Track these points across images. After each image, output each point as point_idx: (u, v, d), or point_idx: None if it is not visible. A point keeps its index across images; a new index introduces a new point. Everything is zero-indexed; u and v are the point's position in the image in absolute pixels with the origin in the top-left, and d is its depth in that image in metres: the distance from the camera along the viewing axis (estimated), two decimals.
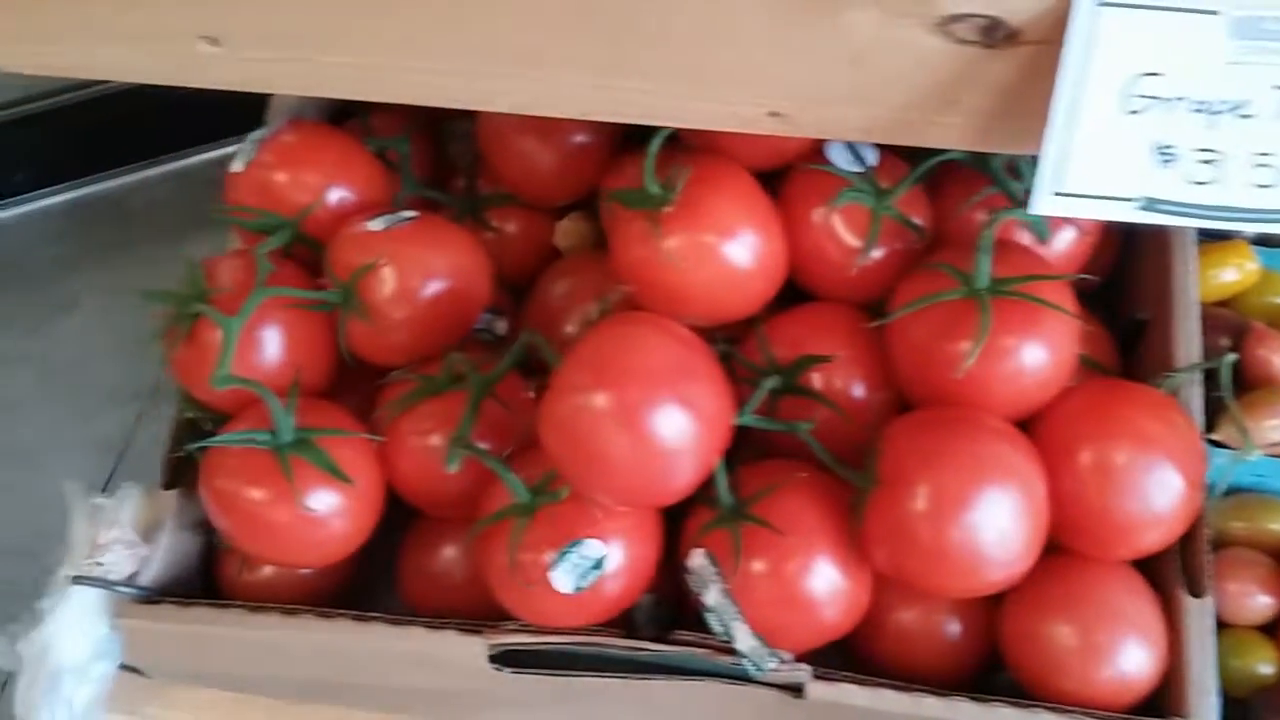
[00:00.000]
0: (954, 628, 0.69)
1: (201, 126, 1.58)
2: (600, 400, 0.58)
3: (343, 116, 0.83)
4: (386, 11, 0.56)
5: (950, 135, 0.57)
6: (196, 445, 0.64)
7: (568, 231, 0.81)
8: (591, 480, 0.60)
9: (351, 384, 0.71)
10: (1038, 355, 0.63)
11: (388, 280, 0.66)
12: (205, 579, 0.73)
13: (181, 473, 0.71)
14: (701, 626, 0.66)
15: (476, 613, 0.68)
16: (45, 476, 1.43)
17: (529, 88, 0.58)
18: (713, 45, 0.56)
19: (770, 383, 0.65)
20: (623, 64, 0.57)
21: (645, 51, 0.56)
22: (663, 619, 0.69)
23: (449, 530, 0.72)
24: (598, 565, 0.61)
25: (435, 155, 0.84)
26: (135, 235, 1.60)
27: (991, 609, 0.68)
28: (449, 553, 0.72)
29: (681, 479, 0.59)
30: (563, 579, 0.61)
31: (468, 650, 0.65)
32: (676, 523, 0.66)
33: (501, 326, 0.78)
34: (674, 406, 0.58)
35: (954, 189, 0.71)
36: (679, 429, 0.58)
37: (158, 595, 0.67)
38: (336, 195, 0.71)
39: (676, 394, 0.58)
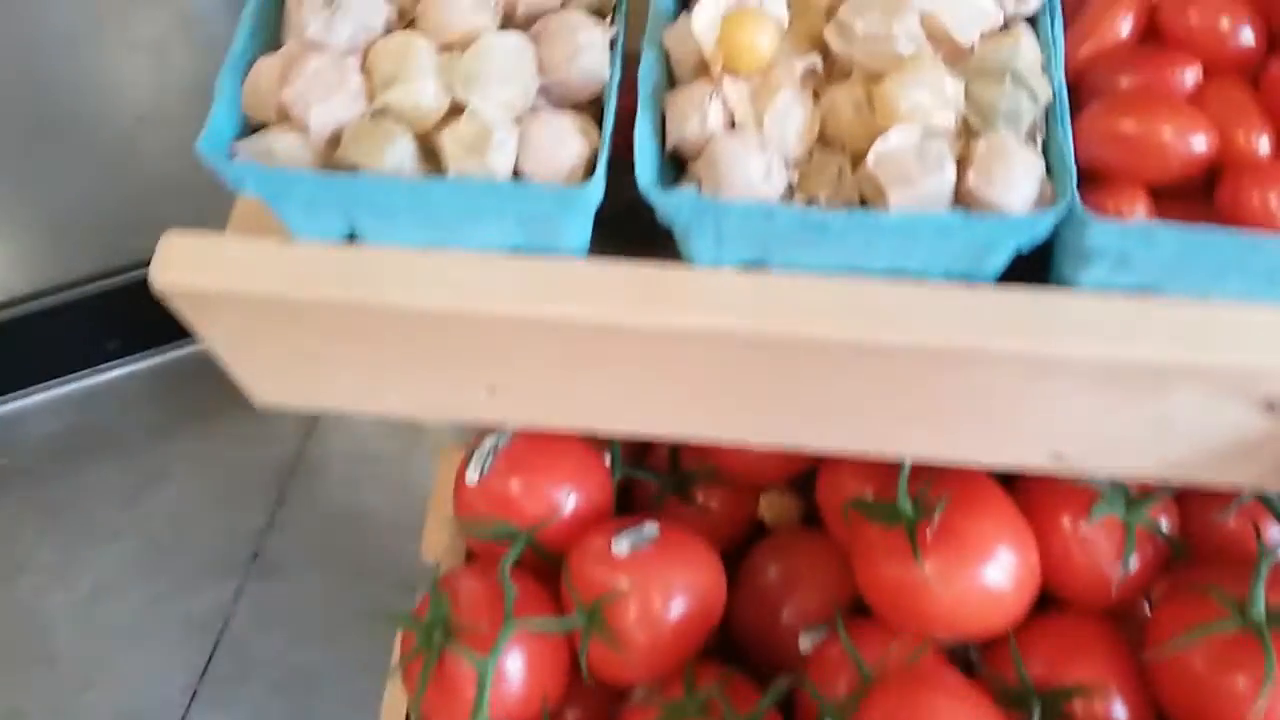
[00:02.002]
0: None
1: None
2: None
3: None
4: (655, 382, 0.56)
5: (1242, 480, 0.56)
6: None
7: (773, 504, 0.79)
8: None
9: (580, 697, 0.69)
10: None
11: (634, 606, 0.64)
12: None
13: None
14: None
15: None
16: (142, 657, 1.41)
17: (824, 432, 0.58)
18: (1018, 412, 0.55)
19: (1037, 713, 0.63)
20: (916, 419, 0.57)
21: (941, 412, 0.56)
22: None
23: None
24: None
25: None
26: (225, 400, 1.58)
27: None
28: None
29: None
30: None
31: None
32: None
33: None
34: None
35: (1203, 494, 0.69)
36: None
37: None
38: (570, 501, 0.69)
39: None
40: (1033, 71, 0.47)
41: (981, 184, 0.46)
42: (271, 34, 0.54)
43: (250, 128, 0.53)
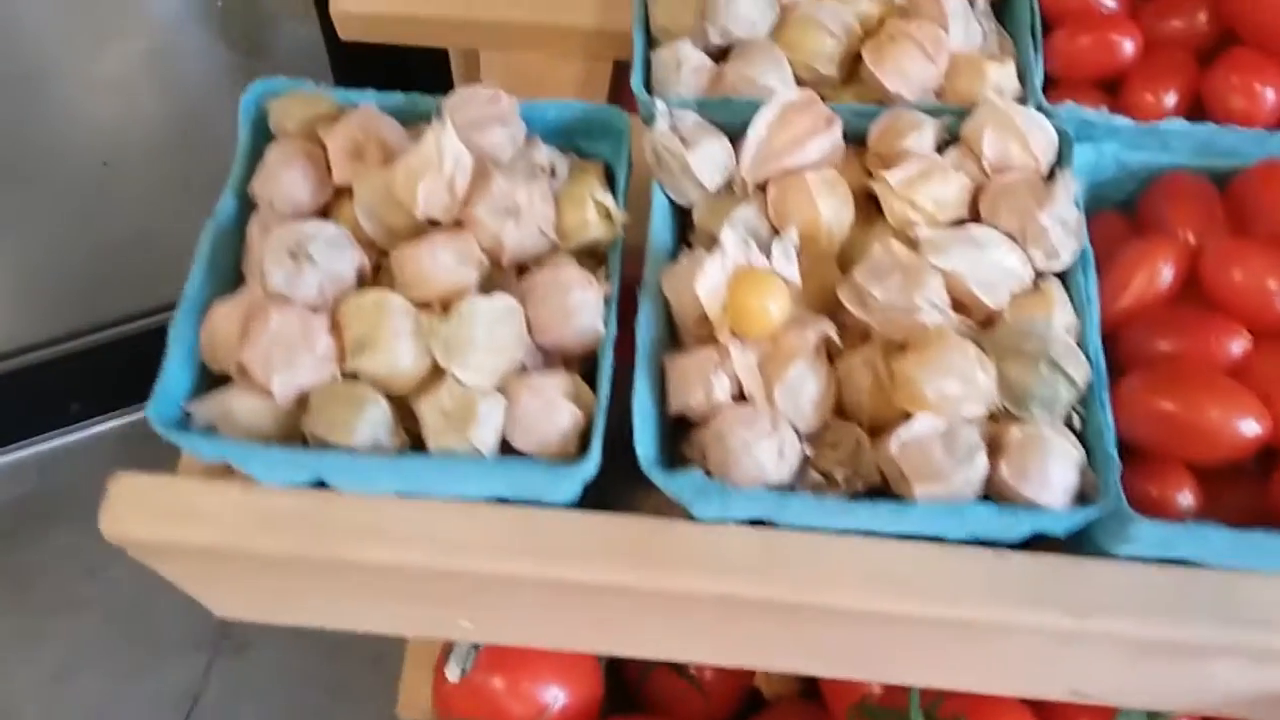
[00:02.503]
0: None
1: None
2: None
3: None
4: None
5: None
6: None
7: (771, 677, 0.75)
8: None
9: None
10: None
11: None
12: None
13: None
14: None
15: None
16: None
17: (830, 665, 0.56)
18: (1040, 664, 0.52)
19: None
20: (930, 662, 0.53)
21: (957, 660, 0.52)
22: None
23: None
24: None
25: None
26: None
27: None
28: None
29: None
30: None
31: None
32: None
33: None
34: None
35: None
36: None
37: None
38: (559, 699, 0.65)
39: None
40: (1069, 351, 0.43)
41: (1016, 478, 0.42)
42: (229, 267, 0.49)
43: (209, 375, 0.48)
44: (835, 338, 0.44)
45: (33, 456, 1.56)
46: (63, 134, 1.58)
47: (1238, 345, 0.44)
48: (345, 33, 0.66)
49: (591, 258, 0.48)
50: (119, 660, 1.39)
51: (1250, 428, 0.43)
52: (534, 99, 0.50)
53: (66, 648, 1.40)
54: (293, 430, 0.46)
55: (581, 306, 0.45)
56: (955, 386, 0.42)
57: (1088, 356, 0.44)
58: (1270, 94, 0.48)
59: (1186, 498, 0.44)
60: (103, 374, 1.53)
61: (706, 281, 0.44)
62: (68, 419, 1.56)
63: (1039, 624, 0.46)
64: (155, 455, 1.63)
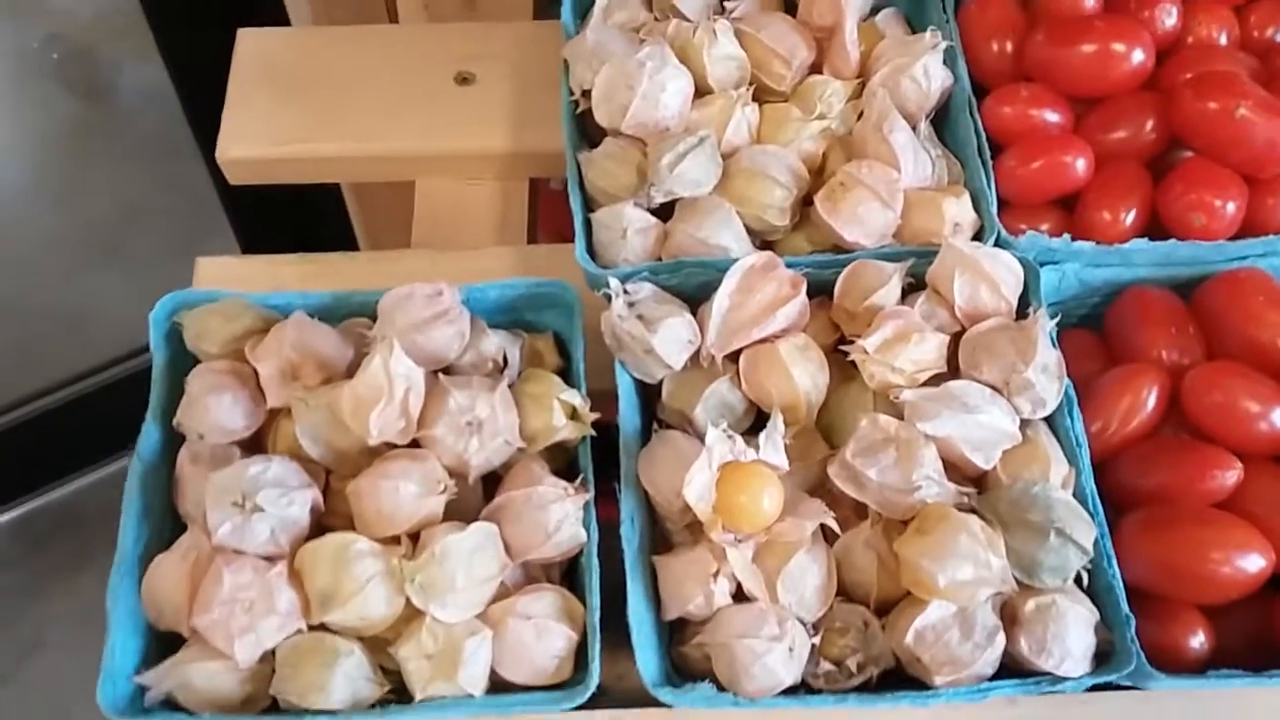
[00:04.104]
0: None
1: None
2: None
3: None
4: None
5: None
6: None
7: None
8: None
9: None
10: None
11: None
12: None
13: None
14: None
15: None
16: None
17: None
18: None
19: None
20: None
21: None
22: None
23: None
24: None
25: None
26: (94, 547, 1.45)
27: None
28: None
29: None
30: None
31: None
32: None
33: None
34: None
35: None
36: None
37: None
38: None
39: None
40: (1073, 515, 0.42)
41: (1035, 653, 0.41)
42: (161, 507, 0.45)
43: (155, 633, 0.44)
44: (834, 525, 0.42)
45: None
46: None
47: (1230, 476, 0.44)
48: (235, 178, 0.61)
49: (559, 447, 0.45)
50: None
51: (1254, 563, 0.43)
52: (473, 275, 0.47)
53: None
54: (259, 688, 0.42)
55: (562, 521, 0.42)
56: (968, 571, 0.40)
57: (1083, 503, 0.43)
58: (1230, 207, 0.48)
59: (1199, 639, 0.43)
60: None
61: (695, 486, 0.41)
62: None
63: None
64: (57, 548, 1.52)
